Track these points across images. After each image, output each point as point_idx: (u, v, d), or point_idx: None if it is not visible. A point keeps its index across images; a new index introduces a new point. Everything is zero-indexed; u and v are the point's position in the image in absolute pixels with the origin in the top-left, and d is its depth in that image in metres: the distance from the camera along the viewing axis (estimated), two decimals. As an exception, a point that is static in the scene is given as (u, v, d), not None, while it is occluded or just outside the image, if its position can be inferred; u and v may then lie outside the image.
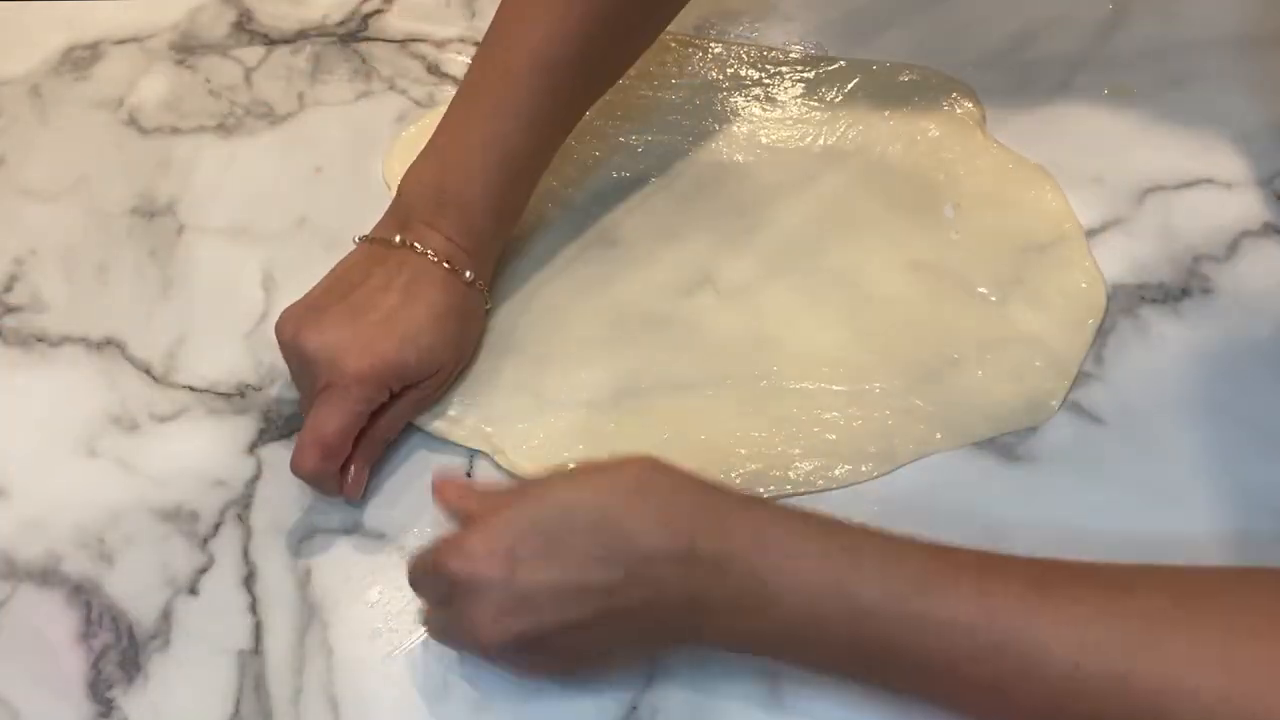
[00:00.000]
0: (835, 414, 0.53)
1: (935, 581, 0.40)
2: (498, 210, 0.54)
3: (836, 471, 0.52)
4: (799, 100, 0.62)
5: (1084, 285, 0.55)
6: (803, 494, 0.52)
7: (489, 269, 0.55)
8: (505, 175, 0.53)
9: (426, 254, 0.52)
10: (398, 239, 0.53)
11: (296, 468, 0.50)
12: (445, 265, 0.52)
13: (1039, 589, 0.39)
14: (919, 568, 0.40)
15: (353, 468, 0.52)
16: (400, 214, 0.54)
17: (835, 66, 0.63)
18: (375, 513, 0.53)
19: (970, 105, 0.60)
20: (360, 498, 0.52)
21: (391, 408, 0.52)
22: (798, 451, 0.52)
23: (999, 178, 0.58)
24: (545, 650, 0.44)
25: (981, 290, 0.55)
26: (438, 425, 0.55)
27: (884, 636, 0.39)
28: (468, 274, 0.53)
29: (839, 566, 0.40)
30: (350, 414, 0.50)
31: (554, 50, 0.53)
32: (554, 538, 0.42)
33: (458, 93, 0.56)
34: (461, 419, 0.55)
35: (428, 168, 0.54)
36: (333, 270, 0.54)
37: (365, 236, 0.55)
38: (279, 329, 0.52)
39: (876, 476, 0.51)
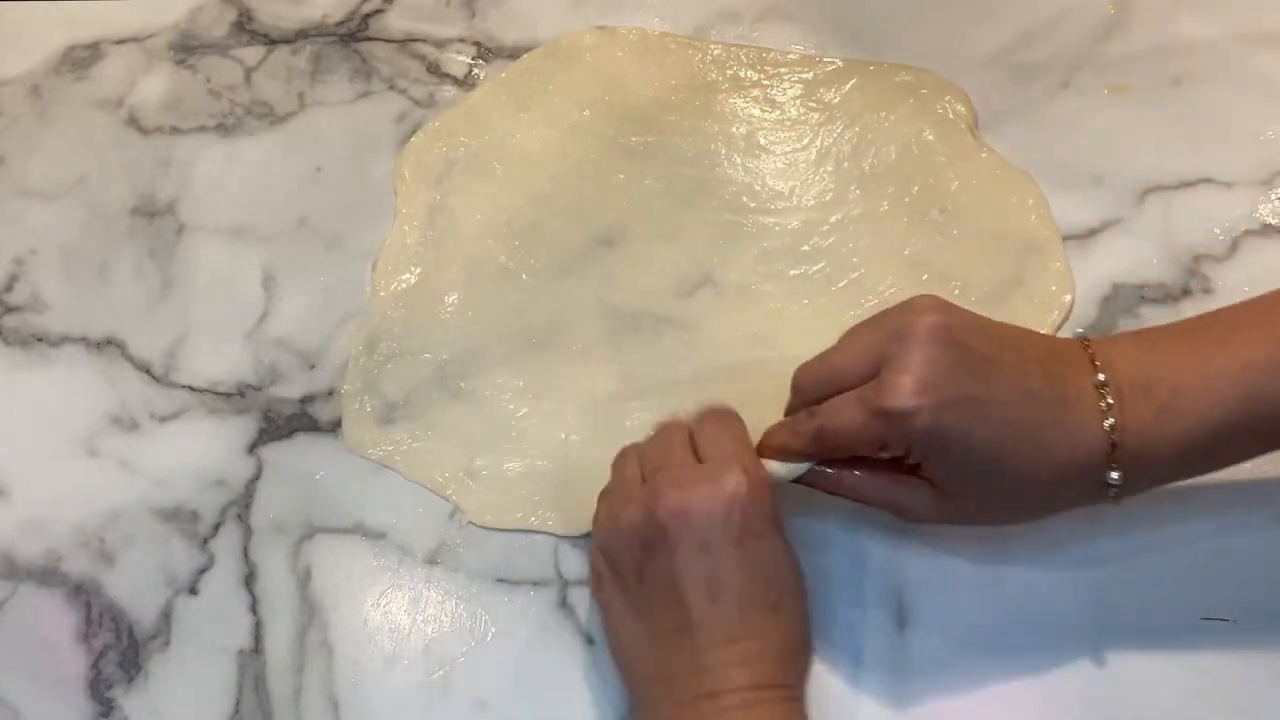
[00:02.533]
0: None
1: None
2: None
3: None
4: (797, 101, 0.62)
5: (1053, 288, 0.56)
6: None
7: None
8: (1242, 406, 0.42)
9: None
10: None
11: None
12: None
13: None
14: None
15: None
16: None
17: (833, 67, 0.63)
18: (375, 513, 0.54)
19: (962, 109, 0.61)
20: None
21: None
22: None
23: (985, 182, 0.59)
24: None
25: (956, 291, 0.56)
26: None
27: None
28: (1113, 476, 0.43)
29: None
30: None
31: None
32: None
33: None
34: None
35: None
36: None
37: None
38: None
39: None
